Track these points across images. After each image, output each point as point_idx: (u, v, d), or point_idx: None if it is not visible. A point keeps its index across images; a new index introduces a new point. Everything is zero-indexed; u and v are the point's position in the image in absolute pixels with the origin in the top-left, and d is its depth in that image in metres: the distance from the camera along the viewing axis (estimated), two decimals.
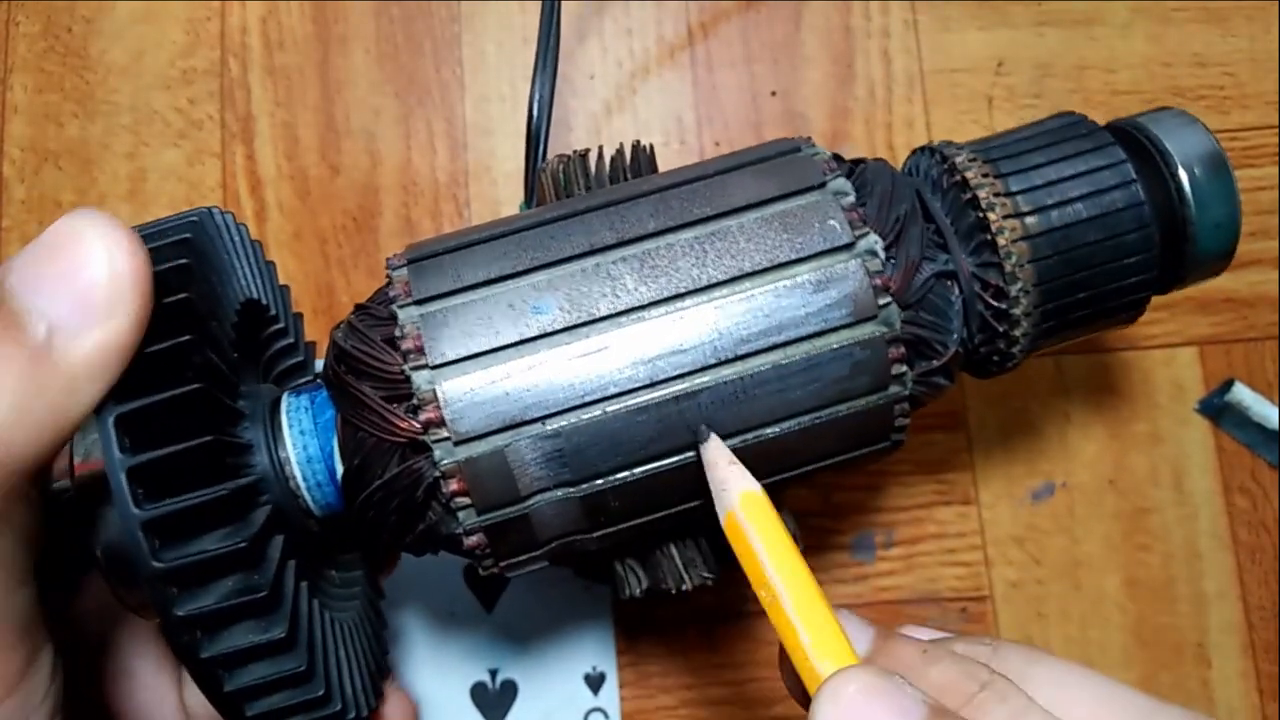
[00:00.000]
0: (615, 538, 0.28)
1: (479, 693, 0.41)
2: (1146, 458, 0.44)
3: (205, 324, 0.24)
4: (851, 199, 0.27)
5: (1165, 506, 0.43)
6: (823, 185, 0.27)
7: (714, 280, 0.26)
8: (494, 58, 0.47)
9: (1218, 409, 0.44)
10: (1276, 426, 0.43)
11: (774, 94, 0.47)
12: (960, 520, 0.43)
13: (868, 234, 0.27)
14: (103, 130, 0.45)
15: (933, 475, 0.44)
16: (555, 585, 0.42)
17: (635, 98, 0.47)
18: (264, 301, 0.30)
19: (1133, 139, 0.30)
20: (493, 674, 0.41)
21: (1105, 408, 0.44)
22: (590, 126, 0.46)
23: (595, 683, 0.41)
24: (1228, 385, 0.44)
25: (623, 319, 0.26)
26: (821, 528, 0.43)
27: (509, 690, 0.41)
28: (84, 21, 0.46)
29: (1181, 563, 0.43)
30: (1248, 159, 0.46)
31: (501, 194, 0.46)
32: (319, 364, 0.33)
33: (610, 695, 0.41)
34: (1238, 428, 0.44)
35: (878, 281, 0.26)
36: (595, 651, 0.42)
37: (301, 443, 0.27)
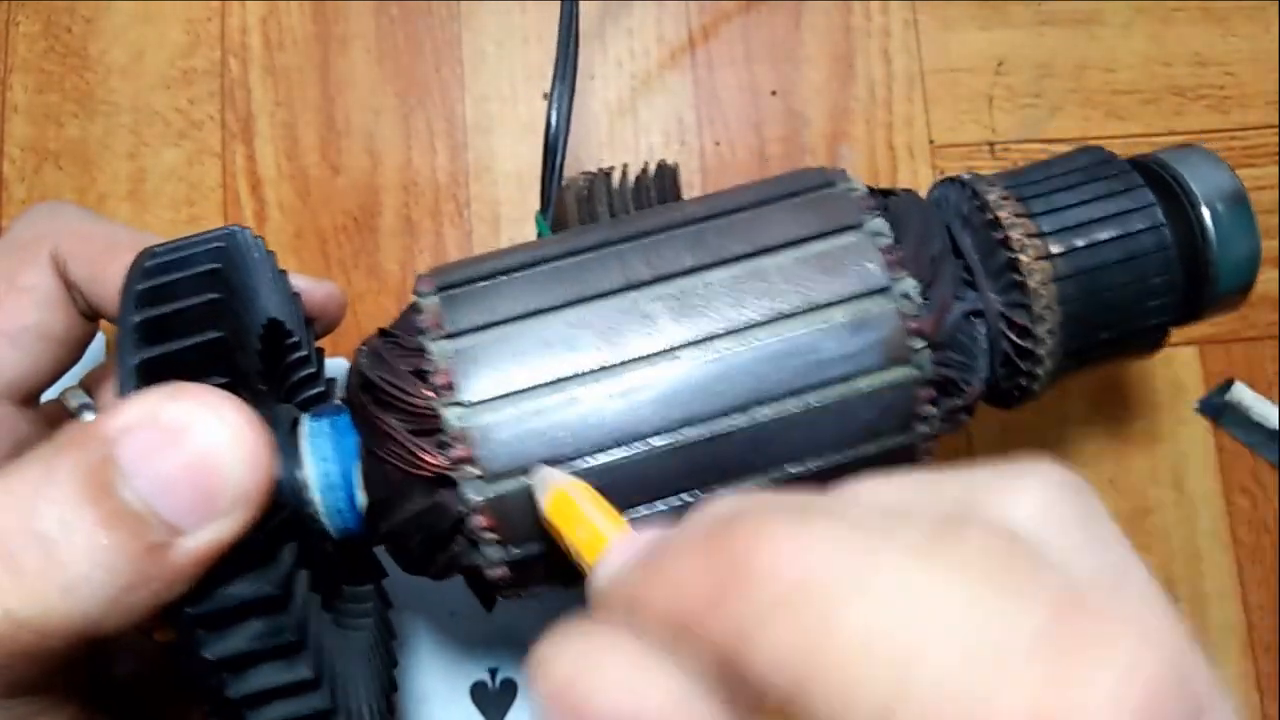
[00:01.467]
0: None
1: (479, 692, 0.41)
2: (1146, 458, 0.44)
3: (234, 359, 0.24)
4: (888, 240, 0.27)
5: (1165, 506, 0.43)
6: (860, 225, 0.27)
7: (750, 322, 0.26)
8: (494, 58, 0.47)
9: (1218, 409, 0.44)
10: (1276, 426, 0.43)
11: (774, 94, 0.47)
12: None
13: (904, 278, 0.26)
14: (103, 130, 0.45)
15: None
16: None
17: (635, 98, 0.47)
18: (281, 318, 0.30)
19: (1156, 176, 0.30)
20: (493, 673, 0.41)
21: (1105, 407, 0.44)
22: (590, 127, 0.46)
23: None
24: (1228, 385, 0.44)
25: (658, 359, 0.25)
26: None
27: (509, 689, 0.41)
28: (84, 21, 0.46)
29: (1181, 563, 0.43)
30: (1248, 159, 0.46)
31: (501, 194, 0.46)
32: (330, 364, 0.33)
33: None
34: (1238, 428, 0.44)
35: (911, 326, 0.26)
36: None
37: (322, 469, 0.27)
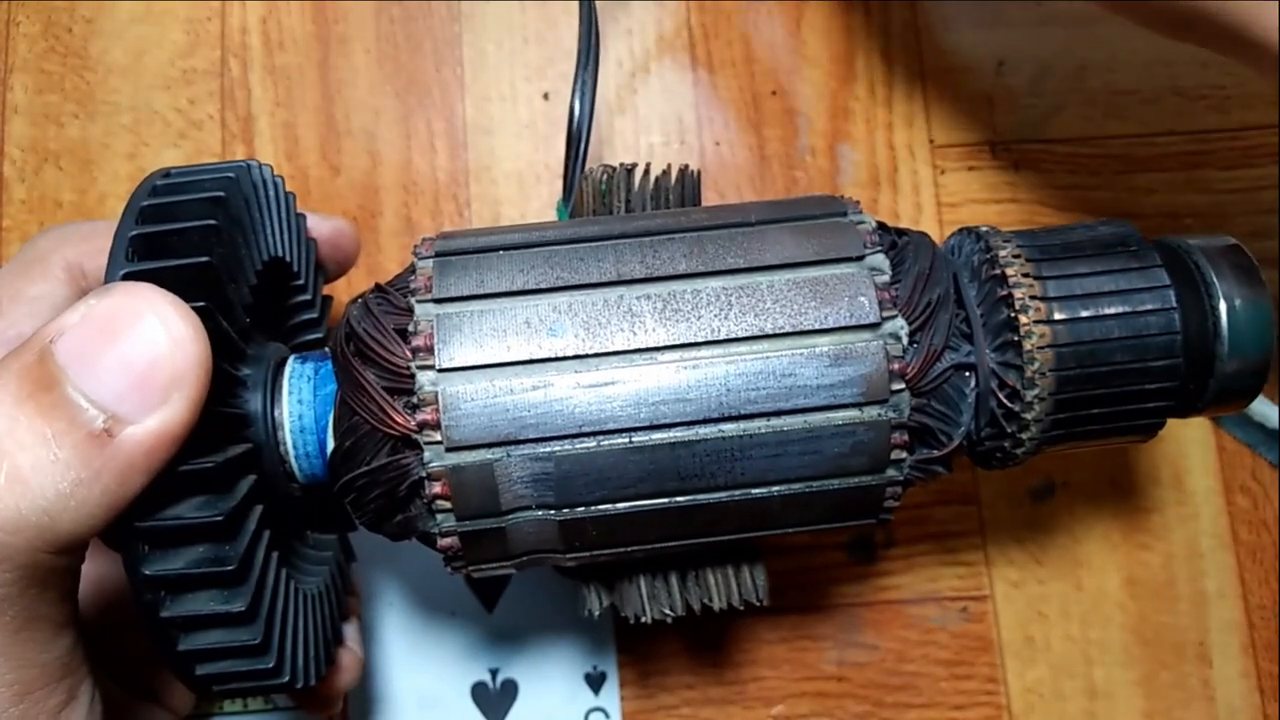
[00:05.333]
0: (588, 560, 0.29)
1: (479, 692, 0.41)
2: (1146, 457, 0.44)
3: (222, 289, 0.25)
4: (886, 277, 0.27)
5: (1165, 506, 0.43)
6: (860, 258, 0.27)
7: (733, 335, 0.26)
8: (494, 58, 0.47)
9: None
10: (1276, 426, 0.43)
11: (774, 94, 0.47)
12: (960, 520, 0.43)
13: (895, 317, 0.26)
14: (103, 130, 0.45)
15: None
16: (555, 586, 0.42)
17: (635, 98, 0.47)
18: (288, 259, 0.30)
19: (1180, 261, 0.29)
20: (493, 674, 0.41)
21: None
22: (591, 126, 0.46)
23: (596, 682, 0.41)
24: None
25: (635, 357, 0.26)
26: None
27: (509, 690, 0.41)
28: (84, 21, 0.46)
29: (1182, 562, 0.43)
30: (1248, 159, 0.46)
31: (501, 194, 0.46)
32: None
33: (611, 695, 0.41)
34: (1238, 427, 0.44)
35: (895, 367, 0.26)
36: (596, 651, 0.42)
37: (298, 412, 0.28)
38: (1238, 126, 0.46)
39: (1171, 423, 0.44)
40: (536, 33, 0.47)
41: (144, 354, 0.21)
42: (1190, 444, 0.44)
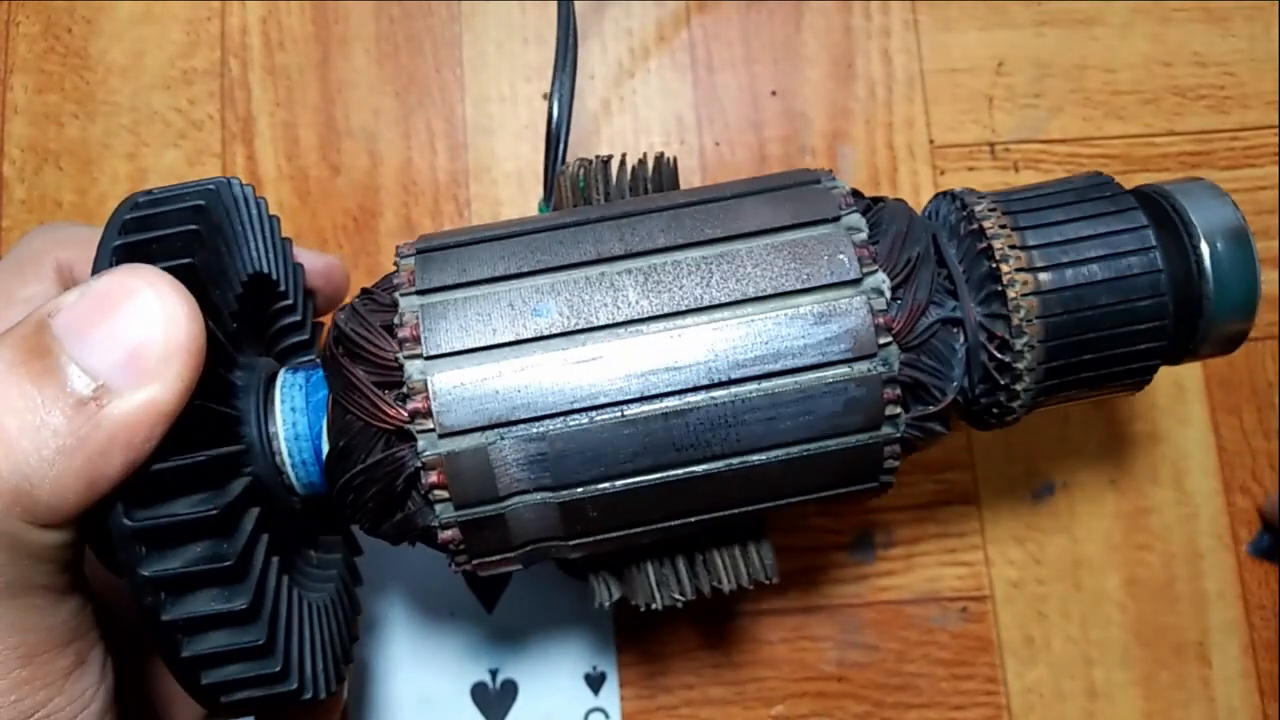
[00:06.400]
0: (592, 548, 0.28)
1: (479, 692, 0.41)
2: (1146, 457, 0.44)
3: (206, 292, 0.25)
4: (864, 235, 0.27)
5: (1165, 506, 0.43)
6: (837, 219, 0.27)
7: (716, 301, 0.26)
8: (494, 58, 0.47)
9: (1271, 550, 0.43)
10: None
11: (774, 94, 0.47)
12: (960, 520, 0.43)
13: (876, 272, 0.27)
14: (103, 130, 0.45)
15: (933, 475, 0.44)
16: (555, 585, 0.42)
17: (635, 98, 0.47)
18: (274, 276, 0.30)
19: (1158, 206, 0.29)
20: (493, 674, 0.41)
21: (1105, 407, 0.44)
22: (590, 126, 0.46)
23: (596, 682, 0.41)
24: (1265, 530, 0.43)
25: (621, 330, 0.26)
26: (821, 527, 0.43)
27: (509, 690, 0.41)
28: (84, 21, 0.46)
29: (1182, 562, 0.43)
30: (1248, 159, 0.46)
31: (501, 194, 0.46)
32: None
33: (611, 695, 0.41)
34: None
35: (880, 320, 0.26)
36: (595, 651, 0.42)
37: (291, 419, 0.28)
38: (1237, 127, 0.46)
39: (1171, 422, 0.44)
40: (536, 33, 0.47)
41: (138, 327, 0.22)
42: (1190, 444, 0.44)
